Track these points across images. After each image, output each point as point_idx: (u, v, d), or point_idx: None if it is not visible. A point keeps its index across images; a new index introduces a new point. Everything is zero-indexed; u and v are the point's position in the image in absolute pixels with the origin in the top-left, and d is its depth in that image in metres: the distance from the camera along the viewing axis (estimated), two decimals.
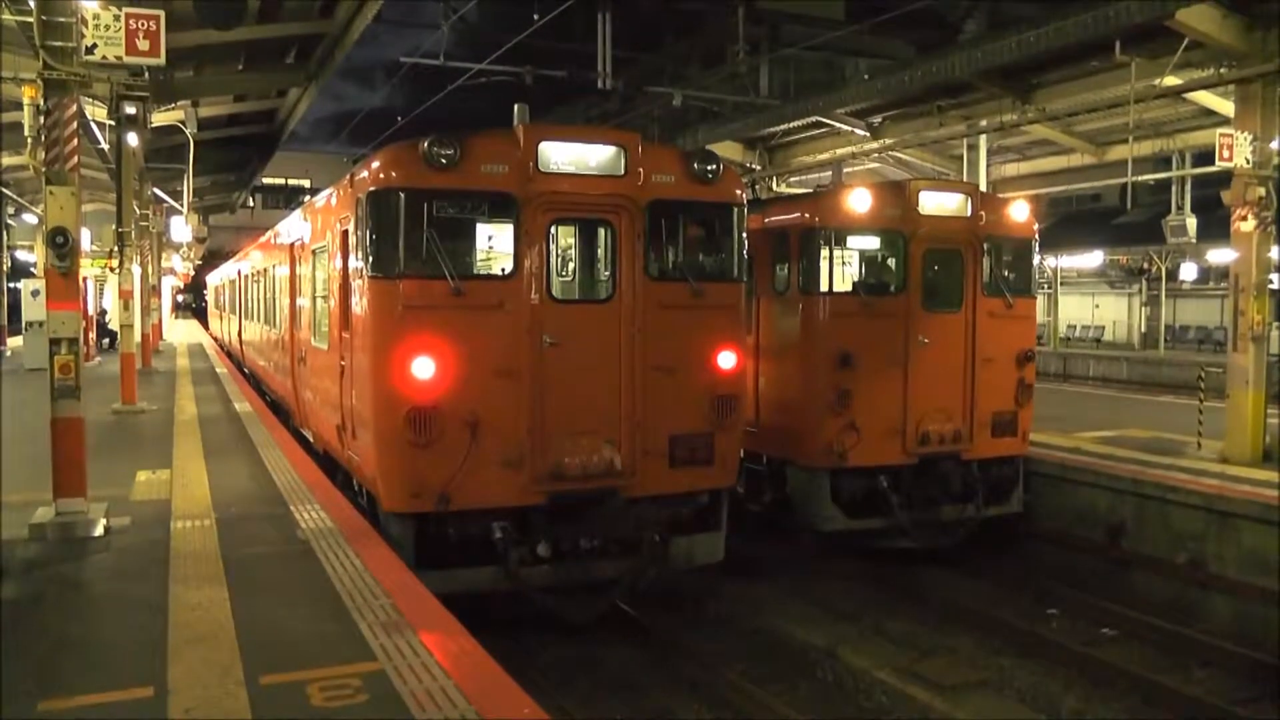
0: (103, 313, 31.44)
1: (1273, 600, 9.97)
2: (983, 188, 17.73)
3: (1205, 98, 15.17)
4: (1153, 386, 27.14)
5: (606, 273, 9.31)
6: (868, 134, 20.88)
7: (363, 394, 8.92)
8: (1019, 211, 12.33)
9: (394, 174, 8.53)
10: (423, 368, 8.29)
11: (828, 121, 20.91)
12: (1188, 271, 39.48)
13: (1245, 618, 10.22)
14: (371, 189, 8.60)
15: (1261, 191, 12.53)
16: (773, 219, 12.32)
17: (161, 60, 8.61)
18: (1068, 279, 43.25)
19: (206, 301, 39.76)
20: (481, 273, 9.22)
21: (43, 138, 8.16)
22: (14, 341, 28.12)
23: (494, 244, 9.43)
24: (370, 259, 8.60)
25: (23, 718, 4.72)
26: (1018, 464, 12.50)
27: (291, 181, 61.21)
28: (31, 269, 25.54)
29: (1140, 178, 20.49)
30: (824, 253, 11.51)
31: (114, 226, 19.01)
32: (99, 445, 10.85)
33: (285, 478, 10.53)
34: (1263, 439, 12.74)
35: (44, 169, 8.10)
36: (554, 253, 9.39)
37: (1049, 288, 38.87)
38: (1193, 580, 10.84)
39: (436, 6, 20.82)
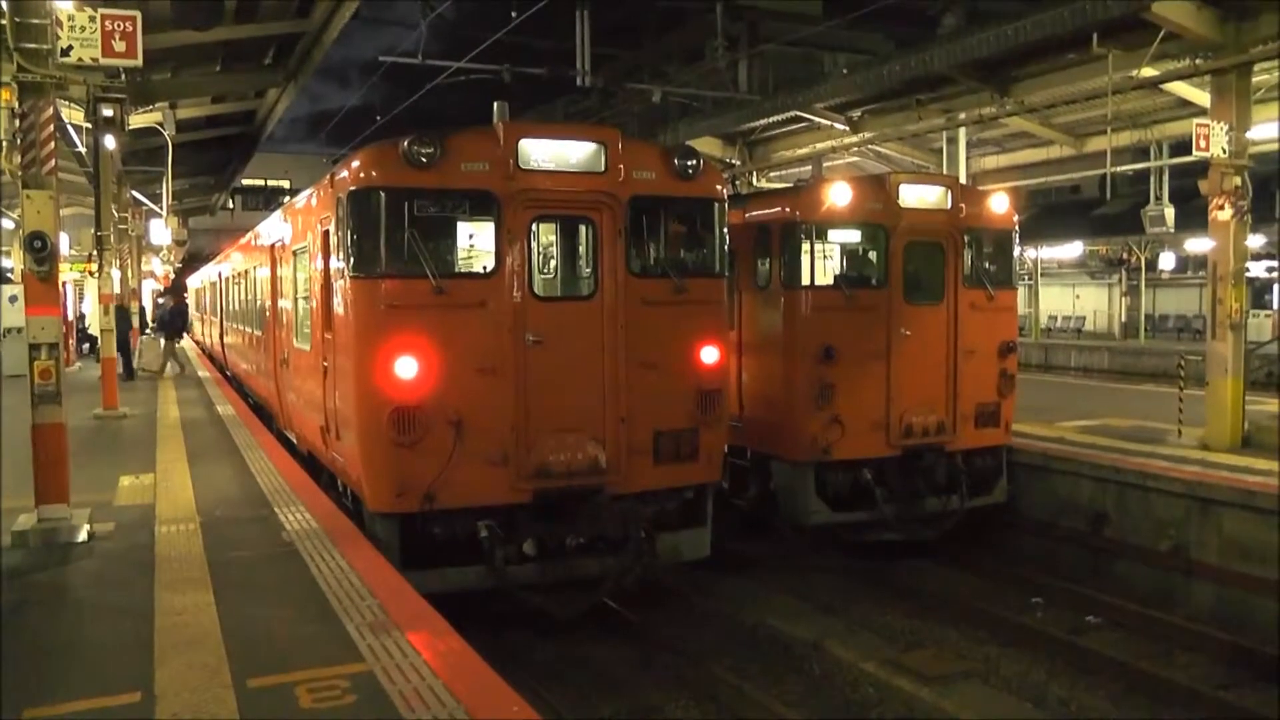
0: (81, 317, 31.20)
1: (1253, 585, 10.07)
2: (963, 180, 17.79)
3: (1181, 88, 15.28)
4: (1133, 375, 27.31)
5: (588, 270, 9.31)
6: (847, 128, 20.93)
7: (346, 394, 8.89)
8: (999, 203, 12.38)
9: (374, 173, 8.51)
10: (406, 367, 8.27)
11: (807, 116, 20.94)
12: (1166, 261, 39.77)
13: (1226, 603, 10.32)
14: (352, 188, 8.57)
15: (1238, 180, 12.65)
16: (754, 214, 12.34)
17: (138, 62, 8.53)
18: (1048, 270, 43.52)
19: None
20: (463, 271, 9.21)
21: (18, 141, 8.09)
22: None
23: (475, 242, 9.41)
24: (351, 259, 8.57)
25: None
26: (1001, 455, 12.56)
27: (271, 182, 60.79)
28: (9, 274, 25.30)
29: (1119, 169, 20.61)
30: (805, 247, 11.53)
31: (93, 230, 18.86)
32: (81, 451, 10.77)
33: (269, 480, 10.49)
34: (1241, 425, 12.87)
35: (20, 173, 8.04)
36: (536, 250, 9.39)
37: (1030, 279, 39.07)
38: (1175, 567, 10.93)
39: (414, 5, 20.77)
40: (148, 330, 25.26)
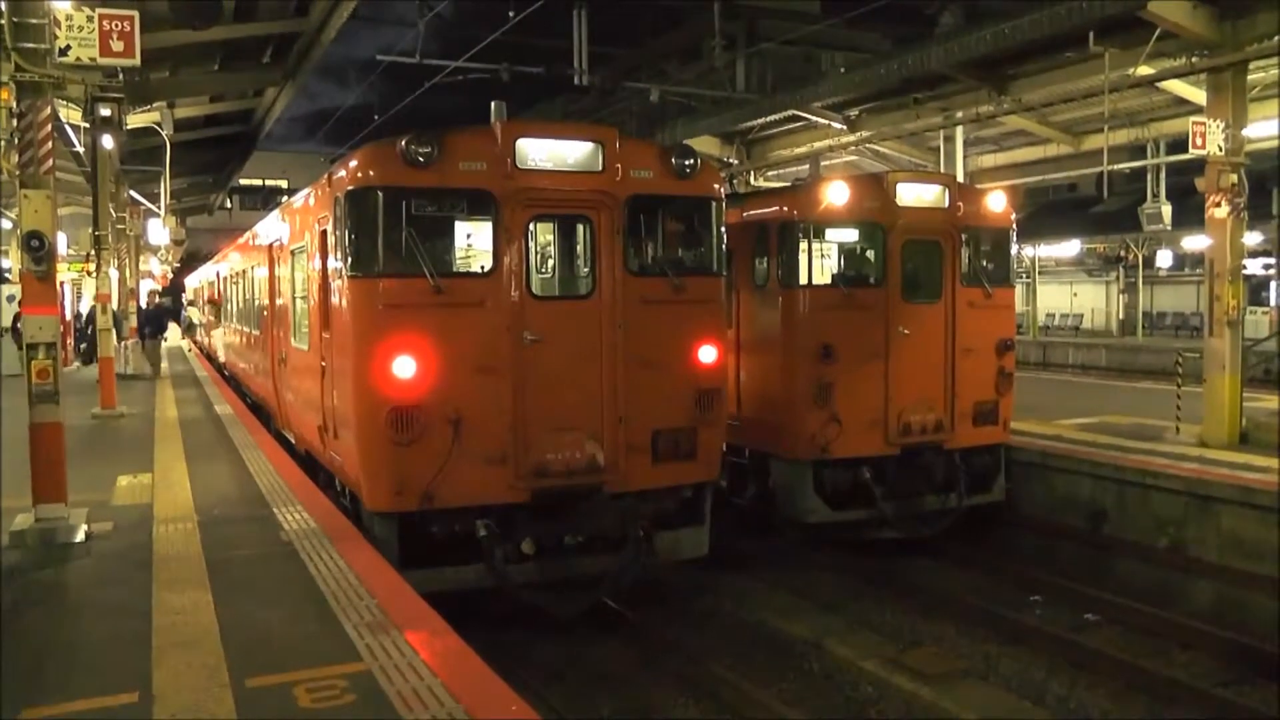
0: (79, 316, 31.18)
1: (1252, 583, 10.07)
2: (960, 179, 17.80)
3: (1178, 86, 15.29)
4: (1131, 373, 27.35)
5: (586, 269, 9.31)
6: (845, 127, 20.94)
7: (344, 394, 8.89)
8: (996, 202, 12.39)
9: (372, 172, 8.50)
10: (404, 366, 8.27)
11: (805, 115, 20.94)
12: (1164, 258, 39.79)
13: (1225, 600, 10.32)
14: (350, 188, 8.57)
15: (1234, 178, 12.67)
16: (751, 213, 12.34)
17: (136, 61, 8.53)
18: (1046, 268, 43.56)
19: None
20: (461, 270, 9.21)
21: (16, 141, 8.09)
22: None
23: (473, 241, 9.42)
24: (349, 258, 8.57)
25: None
26: (999, 452, 12.57)
27: (269, 182, 60.84)
28: (7, 274, 25.27)
29: (1116, 166, 20.60)
30: (803, 246, 11.54)
31: (90, 230, 18.84)
32: (79, 450, 10.76)
33: (267, 479, 10.49)
34: (1239, 422, 12.88)
35: (18, 172, 8.03)
36: (533, 249, 9.39)
37: (1027, 277, 39.10)
38: (1174, 564, 10.94)
39: (412, 4, 20.75)
40: (145, 332, 25.21)
